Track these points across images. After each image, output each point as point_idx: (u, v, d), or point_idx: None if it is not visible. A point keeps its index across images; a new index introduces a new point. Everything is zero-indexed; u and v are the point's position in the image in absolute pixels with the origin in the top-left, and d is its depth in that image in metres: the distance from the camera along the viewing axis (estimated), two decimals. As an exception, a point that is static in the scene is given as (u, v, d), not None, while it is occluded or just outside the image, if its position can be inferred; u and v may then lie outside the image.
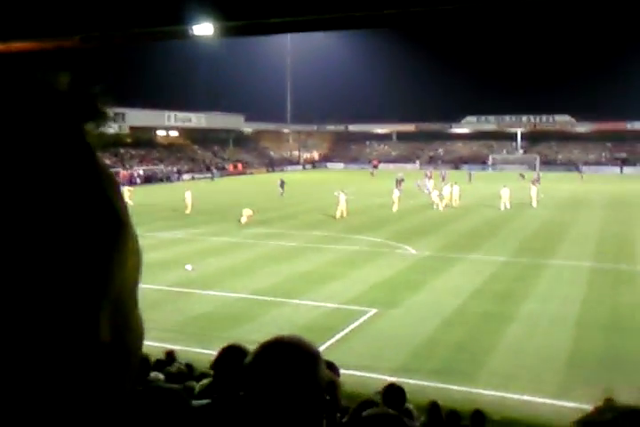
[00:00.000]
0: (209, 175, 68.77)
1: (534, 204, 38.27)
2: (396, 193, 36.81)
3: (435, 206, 37.29)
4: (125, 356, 0.55)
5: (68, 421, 0.49)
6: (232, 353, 2.91)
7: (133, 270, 0.56)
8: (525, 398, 10.46)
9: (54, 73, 0.54)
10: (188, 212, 35.22)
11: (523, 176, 57.41)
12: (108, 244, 0.52)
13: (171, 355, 9.46)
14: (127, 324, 0.56)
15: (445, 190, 38.97)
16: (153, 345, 11.17)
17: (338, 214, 32.85)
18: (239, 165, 78.76)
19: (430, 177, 50.27)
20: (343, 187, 36.72)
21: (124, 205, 0.55)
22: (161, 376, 6.82)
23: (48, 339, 0.48)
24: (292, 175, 74.54)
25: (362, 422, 2.99)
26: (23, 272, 0.46)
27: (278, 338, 1.64)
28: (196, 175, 69.89)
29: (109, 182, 0.54)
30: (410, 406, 6.43)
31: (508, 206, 36.46)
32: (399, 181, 48.22)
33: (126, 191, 42.43)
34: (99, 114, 0.55)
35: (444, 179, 50.99)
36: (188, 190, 36.55)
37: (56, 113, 0.52)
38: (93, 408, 0.51)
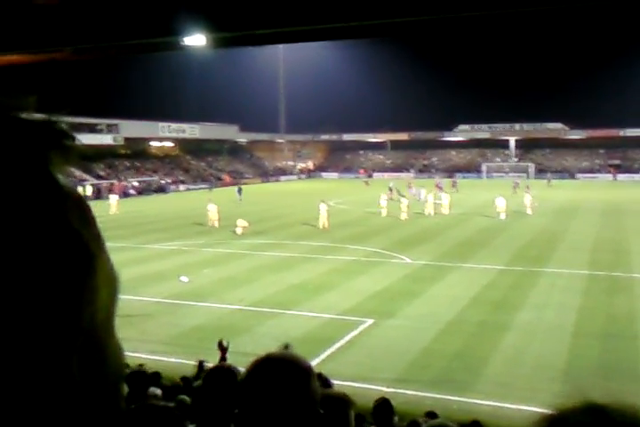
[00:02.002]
0: (204, 186, 68.47)
1: (529, 211, 38.37)
2: (404, 202, 36.68)
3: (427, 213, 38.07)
4: (103, 387, 0.53)
5: None
6: (220, 374, 2.87)
7: (106, 301, 0.53)
8: (522, 407, 10.39)
9: (19, 97, 0.51)
10: (216, 225, 33.25)
11: (517, 184, 57.55)
12: (74, 281, 0.49)
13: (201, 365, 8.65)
14: (102, 355, 0.53)
15: (429, 198, 39.27)
16: (148, 358, 11.11)
17: (321, 225, 32.27)
18: (226, 177, 77.77)
19: (410, 186, 50.99)
20: (330, 197, 36.66)
21: (93, 234, 0.52)
22: (158, 391, 6.77)
23: (18, 382, 0.46)
24: (287, 185, 74.61)
25: None
26: None
27: (269, 355, 1.63)
28: (191, 186, 69.73)
29: (76, 211, 0.51)
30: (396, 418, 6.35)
31: (503, 217, 35.91)
32: (391, 190, 48.43)
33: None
34: (63, 139, 0.52)
35: (441, 188, 51.17)
36: (212, 203, 34.29)
37: (16, 144, 0.49)
38: None
